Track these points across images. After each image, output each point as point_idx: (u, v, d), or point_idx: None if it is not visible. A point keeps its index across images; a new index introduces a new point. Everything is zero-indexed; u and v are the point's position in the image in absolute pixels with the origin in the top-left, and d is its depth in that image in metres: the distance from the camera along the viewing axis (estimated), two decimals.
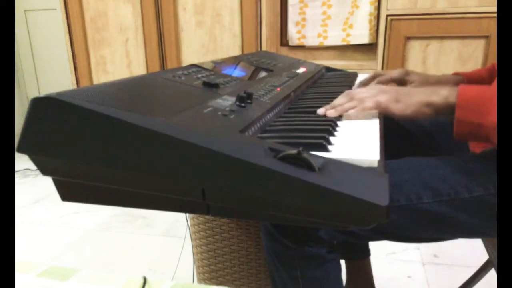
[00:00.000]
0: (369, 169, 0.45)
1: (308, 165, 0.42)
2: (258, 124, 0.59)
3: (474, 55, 1.85)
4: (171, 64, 2.22)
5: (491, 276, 1.04)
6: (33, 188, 2.17)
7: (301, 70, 1.13)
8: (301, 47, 2.29)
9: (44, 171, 0.48)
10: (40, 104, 0.44)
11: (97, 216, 1.83)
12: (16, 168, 2.34)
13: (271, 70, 1.02)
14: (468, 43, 1.84)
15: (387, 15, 1.89)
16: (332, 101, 0.72)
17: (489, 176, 0.61)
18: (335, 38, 2.20)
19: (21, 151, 0.46)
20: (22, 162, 2.27)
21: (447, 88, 0.63)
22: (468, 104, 0.58)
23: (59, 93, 0.45)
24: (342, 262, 0.80)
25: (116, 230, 1.71)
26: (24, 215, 1.87)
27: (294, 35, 2.26)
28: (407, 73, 0.95)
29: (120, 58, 2.29)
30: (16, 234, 1.68)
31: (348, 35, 2.16)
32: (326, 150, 0.51)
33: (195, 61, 2.09)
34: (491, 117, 0.55)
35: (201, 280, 1.05)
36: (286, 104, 0.77)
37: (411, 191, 0.63)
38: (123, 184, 0.47)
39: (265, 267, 0.99)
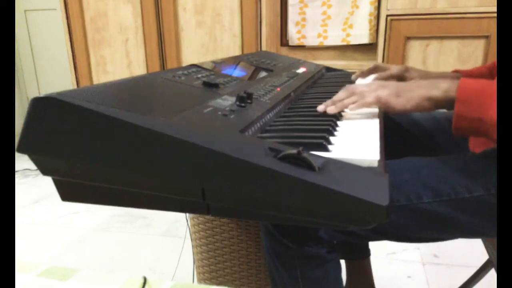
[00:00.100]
0: (369, 169, 0.45)
1: (308, 165, 0.42)
2: (258, 124, 0.59)
3: (474, 55, 1.85)
4: (171, 64, 2.22)
5: (491, 276, 1.04)
6: (33, 188, 2.17)
7: (301, 70, 1.13)
8: (301, 47, 2.29)
9: (44, 171, 0.48)
10: (40, 104, 0.44)
11: (97, 216, 1.83)
12: (16, 168, 2.34)
13: (271, 70, 1.01)
14: (468, 43, 1.85)
15: (387, 15, 1.89)
16: None
17: (489, 176, 0.61)
18: (335, 38, 2.20)
19: (21, 151, 0.46)
20: (22, 162, 2.27)
21: (448, 81, 0.62)
22: (468, 98, 0.57)
23: (59, 93, 0.45)
24: (342, 262, 0.80)
25: (116, 230, 1.71)
26: (24, 215, 1.87)
27: (294, 35, 2.26)
28: (407, 69, 0.94)
29: (120, 58, 2.29)
30: (16, 234, 1.68)
31: (348, 35, 2.16)
32: (326, 150, 0.51)
33: (195, 61, 2.09)
34: (491, 112, 0.54)
35: (201, 280, 1.05)
36: (286, 104, 0.77)
37: (411, 191, 0.62)
38: (123, 184, 0.47)
39: (265, 267, 0.99)
